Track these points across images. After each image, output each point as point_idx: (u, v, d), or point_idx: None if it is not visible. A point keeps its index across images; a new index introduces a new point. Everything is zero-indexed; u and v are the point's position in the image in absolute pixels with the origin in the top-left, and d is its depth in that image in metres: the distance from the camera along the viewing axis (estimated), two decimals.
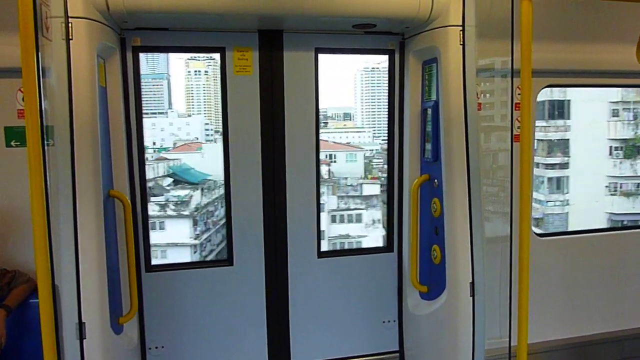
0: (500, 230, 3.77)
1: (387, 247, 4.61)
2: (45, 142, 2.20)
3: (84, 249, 3.19)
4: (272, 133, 4.22)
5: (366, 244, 15.50)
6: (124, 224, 3.76)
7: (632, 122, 21.91)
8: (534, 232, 4.40)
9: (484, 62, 3.80)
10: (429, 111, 4.05)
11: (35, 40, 2.05)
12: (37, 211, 2.10)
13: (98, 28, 3.39)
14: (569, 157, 18.79)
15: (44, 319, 2.18)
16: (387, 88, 4.36)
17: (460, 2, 3.67)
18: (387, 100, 4.37)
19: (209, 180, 15.62)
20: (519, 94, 2.92)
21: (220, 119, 4.06)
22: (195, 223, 13.62)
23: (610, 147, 21.32)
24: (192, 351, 4.28)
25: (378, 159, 17.14)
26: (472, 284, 3.76)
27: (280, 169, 4.26)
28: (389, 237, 4.61)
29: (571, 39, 4.27)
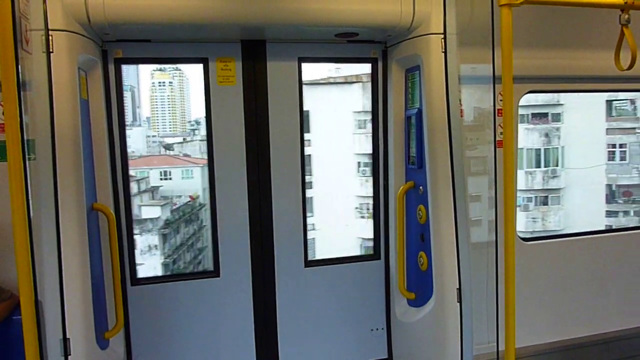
0: (485, 236, 3.79)
1: (374, 255, 4.61)
2: (27, 156, 2.17)
3: (68, 264, 3.15)
4: (256, 143, 4.21)
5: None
6: (108, 237, 3.73)
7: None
8: (519, 237, 4.43)
9: (466, 69, 3.83)
10: (413, 118, 4.07)
11: (15, 54, 2.03)
12: (19, 226, 2.07)
13: (79, 40, 3.37)
14: (311, 175, 17.08)
15: (27, 335, 2.14)
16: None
17: (441, 10, 3.71)
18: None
19: None
20: (501, 100, 2.94)
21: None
22: None
23: (358, 162, 19.36)
24: None
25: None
26: (459, 289, 3.77)
27: (266, 178, 4.25)
28: (375, 244, 4.61)
29: (552, 45, 4.32)
